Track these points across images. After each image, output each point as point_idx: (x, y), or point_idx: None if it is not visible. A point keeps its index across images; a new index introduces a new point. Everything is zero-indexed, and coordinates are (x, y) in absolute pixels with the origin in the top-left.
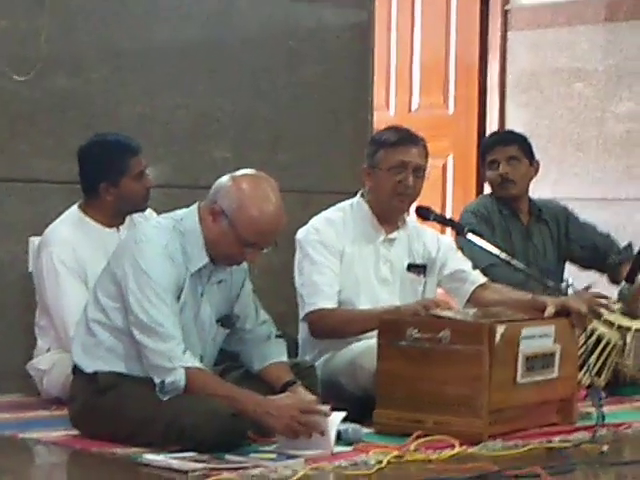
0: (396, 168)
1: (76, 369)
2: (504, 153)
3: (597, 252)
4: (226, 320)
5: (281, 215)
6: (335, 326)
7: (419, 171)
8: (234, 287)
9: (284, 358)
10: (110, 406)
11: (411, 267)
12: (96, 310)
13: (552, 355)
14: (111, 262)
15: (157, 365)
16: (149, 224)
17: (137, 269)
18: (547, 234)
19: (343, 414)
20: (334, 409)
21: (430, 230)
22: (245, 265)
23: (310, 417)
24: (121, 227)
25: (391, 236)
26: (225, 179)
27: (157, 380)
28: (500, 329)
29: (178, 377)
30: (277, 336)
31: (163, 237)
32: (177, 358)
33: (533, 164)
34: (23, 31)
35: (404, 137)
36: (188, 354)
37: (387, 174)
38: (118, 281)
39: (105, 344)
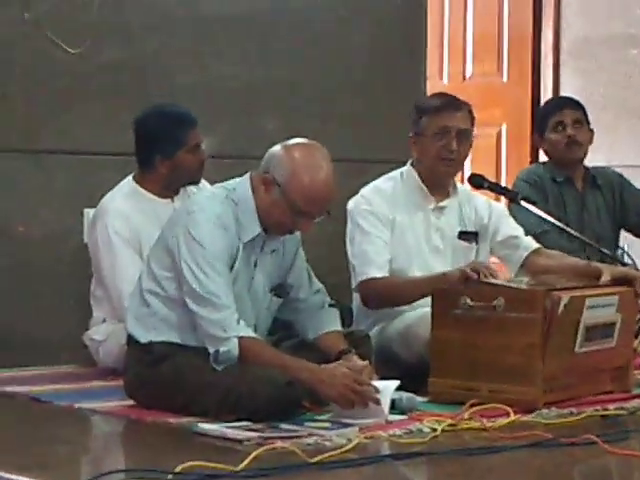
0: (439, 133)
1: (130, 339)
2: (571, 115)
3: None
4: (280, 289)
5: (332, 183)
6: (386, 295)
7: (463, 135)
8: (287, 256)
9: (338, 327)
10: (165, 376)
11: (462, 235)
12: (150, 280)
13: (613, 325)
14: (164, 232)
15: (211, 335)
16: (202, 194)
17: (190, 239)
18: (602, 201)
19: (397, 383)
20: (388, 378)
21: (482, 197)
22: (298, 234)
23: (365, 386)
24: (175, 198)
25: (442, 204)
26: (277, 148)
27: (211, 350)
28: (565, 299)
29: (232, 346)
30: (330, 305)
31: (216, 207)
32: (231, 328)
33: (591, 131)
34: (75, 2)
35: (446, 103)
36: (242, 324)
37: (431, 140)
38: (171, 251)
39: (159, 314)
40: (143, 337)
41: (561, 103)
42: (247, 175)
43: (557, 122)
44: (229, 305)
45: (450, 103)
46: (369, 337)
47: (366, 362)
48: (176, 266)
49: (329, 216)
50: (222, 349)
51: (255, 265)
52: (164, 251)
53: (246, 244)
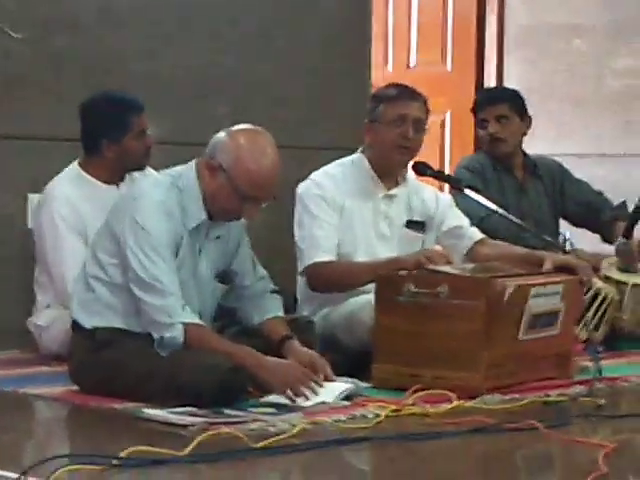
0: (396, 121)
1: (75, 325)
2: (493, 112)
3: (590, 209)
4: (224, 276)
5: (278, 168)
6: (333, 278)
7: (419, 124)
8: (232, 243)
9: (281, 313)
10: (109, 362)
11: (410, 224)
12: (94, 266)
13: (557, 313)
14: (109, 218)
15: (156, 321)
16: (147, 181)
17: (135, 225)
18: (542, 190)
19: (345, 386)
20: (332, 364)
21: (429, 187)
22: (243, 221)
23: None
24: (121, 184)
25: (391, 192)
26: (222, 134)
27: (156, 336)
28: (510, 287)
29: (176, 333)
30: (274, 292)
31: (161, 193)
32: (176, 314)
33: (525, 120)
34: None
35: (404, 92)
36: (187, 310)
37: (387, 127)
38: (116, 237)
39: (103, 300)
40: (87, 323)
41: (482, 100)
42: (193, 162)
43: (481, 119)
44: (174, 291)
45: (408, 92)
46: (313, 323)
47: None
48: (121, 252)
49: (274, 200)
50: (167, 335)
51: (200, 252)
52: (109, 237)
53: (191, 231)
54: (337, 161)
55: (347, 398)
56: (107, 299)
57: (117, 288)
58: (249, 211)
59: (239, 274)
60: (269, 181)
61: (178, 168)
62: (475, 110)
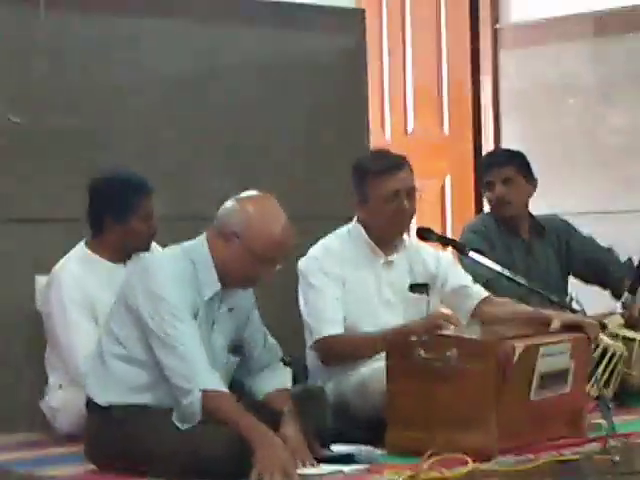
0: (389, 198)
1: (90, 403)
2: (499, 175)
3: (599, 266)
4: (237, 348)
5: (290, 228)
6: (344, 352)
7: (411, 192)
8: (243, 314)
9: (287, 384)
10: (125, 438)
11: (413, 287)
12: (111, 343)
13: (566, 371)
14: (123, 292)
15: (177, 386)
16: (158, 253)
17: (152, 295)
18: (549, 249)
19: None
20: (345, 432)
21: (429, 248)
22: (251, 292)
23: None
24: (128, 262)
25: (391, 258)
26: (230, 202)
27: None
28: (519, 348)
29: (194, 399)
30: (284, 362)
31: (174, 264)
32: (195, 380)
33: (531, 182)
34: (17, 73)
35: (389, 165)
36: (213, 375)
37: (381, 205)
38: (134, 309)
39: (120, 376)
40: (102, 400)
41: (488, 163)
42: (203, 235)
43: (487, 182)
44: (195, 355)
45: (392, 164)
46: (324, 392)
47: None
48: (139, 325)
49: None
50: (184, 402)
51: (213, 324)
52: (125, 311)
53: (206, 303)
54: (334, 233)
55: (356, 463)
56: (123, 375)
57: (135, 363)
58: (266, 274)
59: (249, 345)
60: (285, 240)
61: (187, 243)
62: (481, 173)
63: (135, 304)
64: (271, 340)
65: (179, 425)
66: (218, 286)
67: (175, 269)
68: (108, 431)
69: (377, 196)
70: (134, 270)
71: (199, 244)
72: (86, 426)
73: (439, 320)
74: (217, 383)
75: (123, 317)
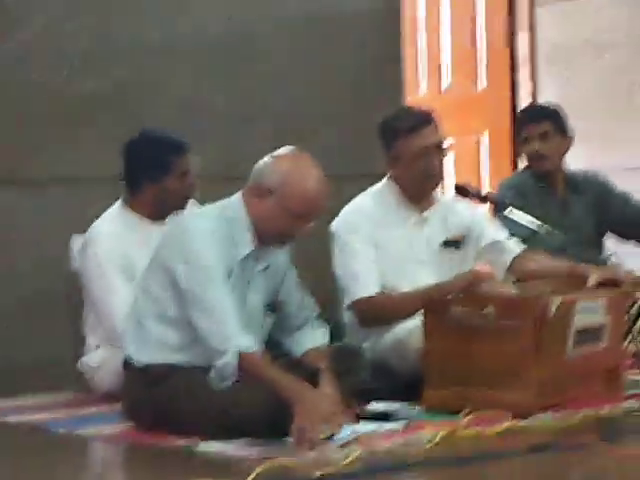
0: (419, 155)
1: (127, 363)
2: (535, 130)
3: (636, 222)
4: (273, 306)
5: (325, 184)
6: (381, 313)
7: (439, 148)
8: (279, 273)
9: (323, 342)
10: (162, 398)
11: (447, 244)
12: (147, 301)
13: (602, 328)
14: (158, 253)
15: (212, 347)
16: (194, 213)
17: (188, 254)
18: (585, 206)
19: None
20: (384, 390)
21: (463, 203)
22: (287, 250)
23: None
24: (165, 221)
25: (424, 215)
26: (265, 159)
27: (213, 363)
28: (556, 301)
29: (230, 359)
30: (320, 319)
31: (209, 224)
32: (230, 340)
33: (567, 137)
34: (58, 32)
35: (414, 122)
36: (246, 336)
37: (411, 163)
38: (168, 270)
39: (156, 336)
40: (140, 359)
41: (524, 118)
42: (238, 194)
43: (525, 137)
44: (229, 316)
45: (419, 122)
46: (361, 350)
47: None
48: (174, 284)
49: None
50: (219, 362)
51: (249, 283)
52: (160, 271)
53: (240, 262)
54: (366, 192)
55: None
56: (159, 335)
57: (170, 322)
58: (301, 230)
59: (286, 304)
60: (319, 197)
61: (223, 201)
62: (518, 128)
63: (170, 264)
64: (308, 299)
65: (214, 385)
66: (253, 245)
67: (210, 229)
68: (145, 391)
69: (406, 154)
70: (169, 230)
71: (235, 202)
72: (124, 386)
73: (478, 276)
74: (252, 343)
75: (158, 276)
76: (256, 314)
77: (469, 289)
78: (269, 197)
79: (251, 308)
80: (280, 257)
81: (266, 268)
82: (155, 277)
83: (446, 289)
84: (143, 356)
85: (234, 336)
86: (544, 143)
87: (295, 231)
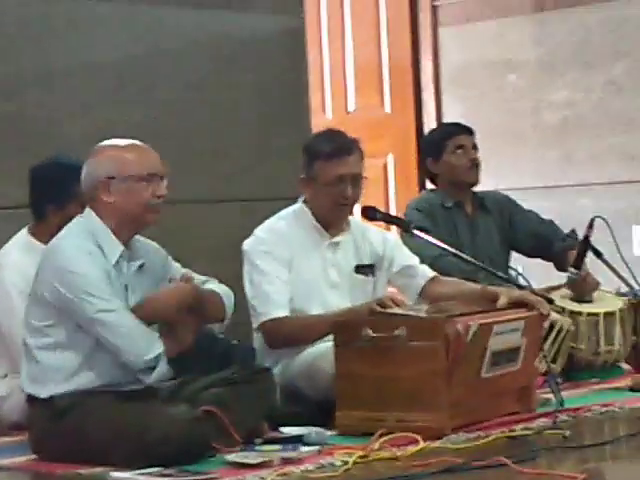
0: (334, 182)
1: (30, 397)
2: (470, 140)
3: (541, 240)
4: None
5: (144, 145)
6: (290, 334)
7: (357, 179)
8: (158, 269)
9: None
10: (70, 429)
11: (359, 268)
12: (36, 336)
13: (518, 349)
14: (35, 285)
15: (130, 351)
16: (58, 236)
17: (62, 274)
18: (492, 224)
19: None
20: (294, 414)
21: (375, 229)
22: (163, 252)
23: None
24: None
25: (336, 239)
26: (86, 163)
27: (138, 364)
28: (473, 326)
29: (151, 374)
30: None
31: (74, 239)
32: (139, 353)
33: None
34: None
35: (338, 148)
36: (150, 340)
37: (325, 188)
38: (44, 298)
39: (51, 366)
40: (42, 393)
41: (459, 128)
42: (86, 209)
43: (458, 145)
44: (126, 321)
45: (342, 148)
46: (270, 371)
47: None
48: (59, 309)
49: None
50: (150, 355)
51: (127, 288)
52: (36, 302)
53: (115, 267)
54: (279, 214)
55: (306, 444)
56: (55, 364)
57: (63, 347)
58: (158, 190)
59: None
60: (149, 151)
61: (78, 217)
62: (443, 138)
63: (50, 291)
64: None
65: (145, 378)
66: (121, 247)
67: (77, 243)
68: (53, 423)
69: (322, 178)
70: (42, 260)
71: (87, 215)
72: (28, 420)
73: (383, 302)
74: (158, 344)
75: (41, 308)
76: None
77: (380, 313)
78: (112, 184)
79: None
80: (152, 252)
81: (141, 266)
82: (36, 309)
83: (352, 314)
84: (44, 389)
85: (140, 347)
86: (475, 154)
87: (152, 197)
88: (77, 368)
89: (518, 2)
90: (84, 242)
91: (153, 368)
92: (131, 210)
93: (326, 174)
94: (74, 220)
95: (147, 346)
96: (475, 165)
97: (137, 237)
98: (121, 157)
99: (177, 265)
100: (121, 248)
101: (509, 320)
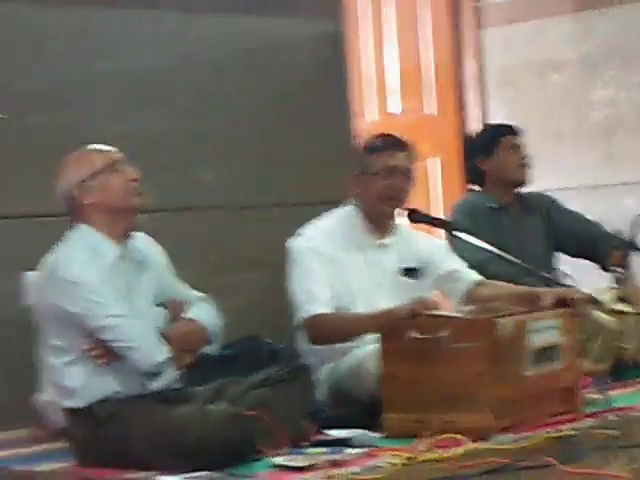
0: (384, 173)
1: (67, 410)
2: (519, 140)
3: (585, 240)
4: (161, 304)
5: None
6: (332, 331)
7: (407, 174)
8: (155, 265)
9: (209, 313)
10: (113, 437)
11: (404, 271)
12: (55, 355)
13: (557, 347)
14: (42, 306)
15: (134, 368)
16: (55, 251)
17: (62, 284)
18: (537, 225)
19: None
20: (342, 416)
21: (422, 233)
22: (159, 247)
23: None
24: None
25: (383, 241)
26: (57, 187)
27: (146, 367)
28: (506, 324)
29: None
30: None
31: (69, 250)
32: (145, 359)
33: None
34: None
35: (391, 142)
36: (154, 344)
37: (376, 178)
38: (56, 314)
39: (81, 379)
40: (78, 403)
41: (511, 128)
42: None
43: (513, 144)
44: (135, 333)
45: (394, 143)
46: (308, 369)
47: None
48: (67, 322)
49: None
50: (159, 359)
51: (129, 288)
52: (52, 320)
53: (111, 268)
54: (328, 214)
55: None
56: (83, 377)
57: (83, 360)
58: (129, 174)
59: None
60: (104, 147)
61: (69, 232)
62: (496, 136)
63: (57, 305)
64: (187, 286)
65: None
66: (116, 247)
67: (70, 252)
68: (94, 431)
69: (373, 169)
70: (43, 279)
71: (76, 228)
72: (68, 429)
73: (420, 306)
74: (161, 351)
75: (54, 326)
76: (144, 312)
77: (419, 315)
78: (91, 193)
79: (138, 308)
80: (148, 248)
81: (139, 262)
82: (50, 328)
83: (392, 315)
84: (81, 400)
85: (146, 354)
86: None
87: (127, 188)
88: (104, 376)
89: (559, 2)
90: (79, 252)
91: (159, 373)
92: (114, 201)
93: (378, 164)
94: (66, 235)
95: (156, 350)
96: (526, 165)
97: (133, 234)
98: (83, 159)
99: (169, 267)
100: (117, 248)
101: (545, 317)
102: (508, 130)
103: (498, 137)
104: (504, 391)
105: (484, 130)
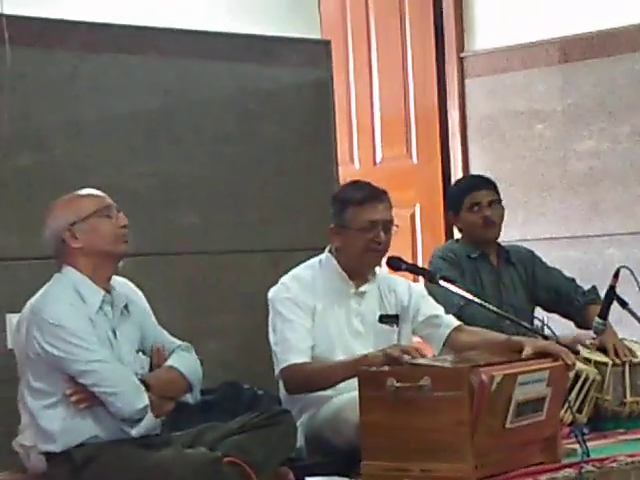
0: (366, 227)
1: (46, 454)
2: (486, 196)
3: (562, 295)
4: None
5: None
6: (306, 380)
7: (388, 226)
8: (138, 310)
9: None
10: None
11: (383, 318)
12: (35, 397)
13: (543, 399)
14: (25, 348)
15: (120, 402)
16: (38, 293)
17: (47, 327)
18: (516, 277)
19: None
20: (320, 464)
21: (401, 279)
22: (139, 292)
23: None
24: None
25: (361, 289)
26: (45, 228)
27: (127, 413)
28: (497, 377)
29: (139, 425)
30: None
31: (55, 293)
32: (126, 408)
33: (503, 207)
34: None
35: (370, 195)
36: (140, 395)
37: (358, 233)
38: (38, 356)
39: (60, 423)
40: (58, 447)
41: (476, 183)
42: (61, 268)
43: (473, 203)
44: (117, 377)
45: (373, 195)
46: (289, 412)
47: None
48: (53, 364)
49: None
50: (139, 406)
51: (114, 333)
52: (34, 362)
53: (97, 314)
54: (305, 263)
55: None
56: (61, 421)
57: (62, 402)
58: (119, 220)
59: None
60: (95, 192)
61: (56, 275)
62: (460, 195)
63: (41, 348)
64: (166, 333)
65: (132, 431)
66: (102, 292)
67: (56, 295)
68: (72, 476)
69: (355, 224)
70: (27, 321)
71: (63, 271)
72: (47, 473)
73: (396, 352)
74: (141, 398)
75: (35, 368)
76: (128, 358)
77: (388, 364)
78: (75, 231)
79: (122, 354)
80: (131, 294)
81: (125, 307)
82: (31, 370)
83: (366, 362)
84: (60, 443)
85: (135, 398)
86: (493, 210)
87: (113, 231)
88: (84, 420)
89: (544, 53)
90: (65, 295)
91: (139, 420)
92: (102, 246)
93: (359, 219)
94: (53, 278)
95: (136, 396)
96: (490, 222)
97: (114, 279)
98: (74, 202)
99: (154, 324)
100: (102, 293)
101: (534, 370)
102: (471, 187)
103: (461, 197)
104: (485, 441)
105: (455, 185)
